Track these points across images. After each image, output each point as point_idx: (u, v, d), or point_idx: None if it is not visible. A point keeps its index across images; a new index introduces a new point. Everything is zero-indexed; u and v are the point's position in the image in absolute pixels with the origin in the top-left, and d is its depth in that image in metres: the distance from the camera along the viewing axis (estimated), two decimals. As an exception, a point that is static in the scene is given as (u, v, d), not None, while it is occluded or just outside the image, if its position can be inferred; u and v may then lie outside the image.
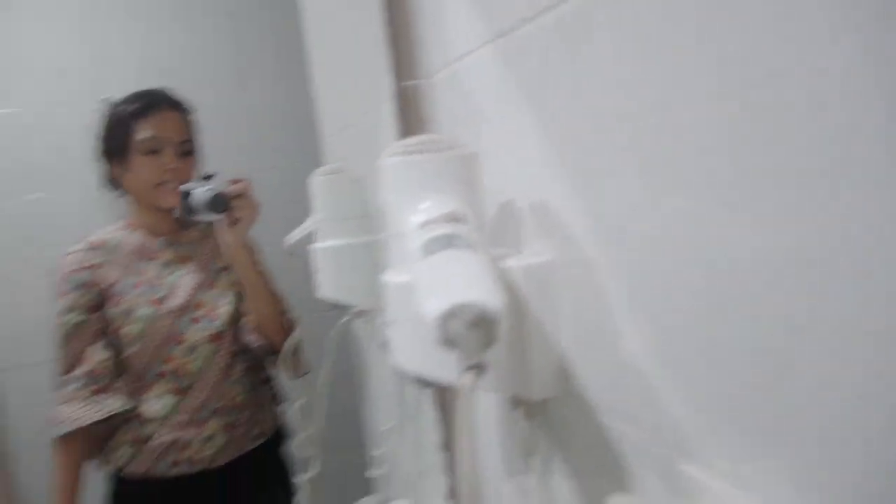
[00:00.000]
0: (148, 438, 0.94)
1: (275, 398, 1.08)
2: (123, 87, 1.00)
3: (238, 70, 1.19)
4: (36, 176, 1.09)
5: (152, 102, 0.97)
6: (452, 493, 0.86)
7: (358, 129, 1.03)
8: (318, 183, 0.94)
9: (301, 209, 0.93)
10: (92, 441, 0.91)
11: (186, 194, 0.92)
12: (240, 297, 0.99)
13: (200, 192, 0.92)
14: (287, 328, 1.01)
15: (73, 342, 0.90)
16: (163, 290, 0.95)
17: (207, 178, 0.95)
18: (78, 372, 0.89)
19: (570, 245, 0.52)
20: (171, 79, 1.04)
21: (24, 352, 1.00)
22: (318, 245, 0.93)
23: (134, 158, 0.94)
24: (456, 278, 0.40)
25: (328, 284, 0.94)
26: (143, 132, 0.95)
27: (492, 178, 0.59)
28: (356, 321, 1.06)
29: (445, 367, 0.47)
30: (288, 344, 1.02)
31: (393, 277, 0.53)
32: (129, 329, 0.92)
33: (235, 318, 0.98)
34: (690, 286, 0.39)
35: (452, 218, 0.48)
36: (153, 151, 0.96)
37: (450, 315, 0.37)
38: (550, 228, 0.55)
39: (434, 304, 0.38)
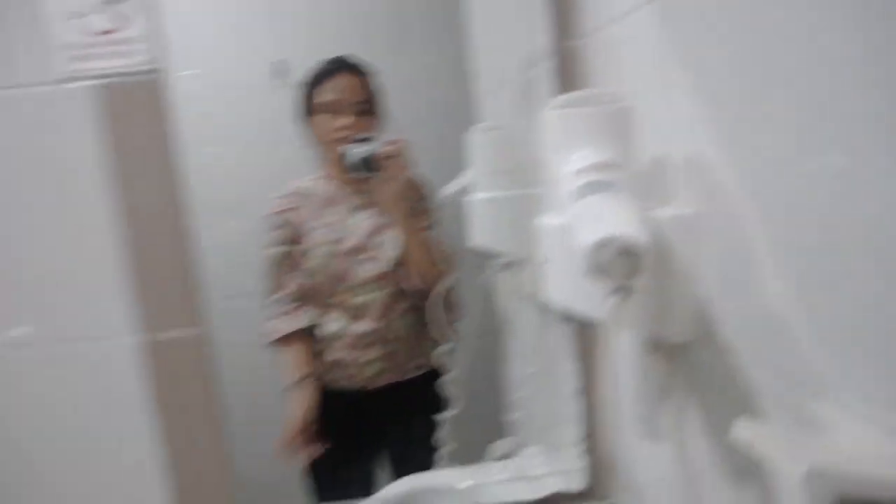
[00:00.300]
0: (321, 354, 1.07)
1: (435, 339, 1.18)
2: (294, 49, 1.12)
3: (399, 30, 1.26)
4: (217, 132, 1.23)
5: (332, 67, 1.08)
6: (588, 435, 0.91)
7: (514, 87, 1.08)
8: (475, 139, 1.00)
9: (456, 165, 1.01)
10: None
11: (344, 154, 1.02)
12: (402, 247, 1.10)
13: (355, 151, 1.02)
14: (441, 276, 1.10)
15: (275, 271, 1.06)
16: (341, 232, 1.08)
17: (365, 140, 1.04)
18: (280, 294, 1.05)
19: (718, 198, 0.55)
20: (336, 40, 1.14)
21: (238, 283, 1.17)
22: (476, 196, 0.99)
23: (317, 117, 1.06)
24: (607, 216, 0.45)
25: (480, 234, 1.01)
26: (324, 94, 1.06)
27: (646, 132, 0.62)
28: (503, 272, 1.13)
29: (591, 301, 0.53)
30: (439, 290, 1.11)
31: (548, 220, 0.58)
32: (311, 264, 1.07)
33: (400, 262, 1.07)
34: (836, 239, 0.41)
35: (606, 166, 0.53)
36: (333, 111, 1.07)
37: (601, 245, 0.42)
38: (699, 181, 0.58)
39: (587, 236, 0.43)
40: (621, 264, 0.41)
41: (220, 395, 0.90)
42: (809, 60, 0.42)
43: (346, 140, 1.06)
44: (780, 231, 0.48)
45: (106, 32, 0.79)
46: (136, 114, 0.80)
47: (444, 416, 1.15)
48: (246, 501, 1.00)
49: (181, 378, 0.86)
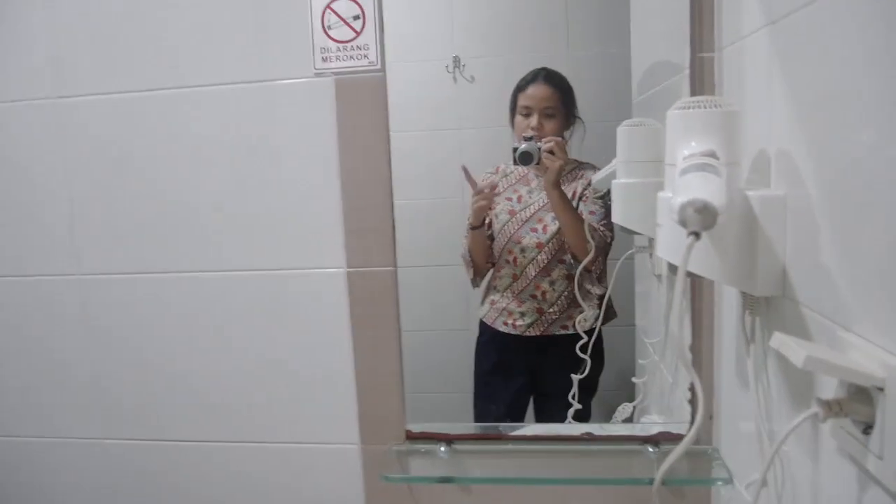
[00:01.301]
0: (495, 301, 1.38)
1: (595, 307, 1.39)
2: (469, 48, 1.35)
3: (568, 37, 1.46)
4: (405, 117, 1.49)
5: (530, 78, 1.33)
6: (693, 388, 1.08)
7: (660, 89, 1.26)
8: (621, 132, 1.20)
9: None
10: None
11: (515, 149, 1.27)
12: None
13: (520, 147, 1.27)
14: (594, 251, 1.32)
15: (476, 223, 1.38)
16: (521, 205, 1.36)
17: (529, 139, 1.28)
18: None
19: (799, 183, 0.72)
20: (507, 40, 1.36)
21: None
22: (617, 181, 1.19)
23: (516, 118, 1.32)
24: (697, 185, 0.65)
25: (621, 213, 1.21)
26: (522, 100, 1.31)
27: (751, 130, 0.79)
28: (640, 253, 1.32)
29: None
30: (586, 263, 1.33)
31: (662, 194, 0.78)
32: (495, 226, 1.34)
33: (558, 235, 1.34)
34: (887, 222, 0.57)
35: (708, 154, 0.72)
36: (525, 114, 1.32)
37: (687, 204, 0.62)
38: (787, 170, 0.75)
39: (678, 198, 0.63)
40: (698, 217, 0.60)
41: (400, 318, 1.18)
42: (878, 83, 0.58)
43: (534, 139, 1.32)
44: (848, 214, 0.64)
45: (346, 41, 1.08)
46: (362, 102, 1.09)
47: (579, 377, 1.35)
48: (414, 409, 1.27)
49: (376, 302, 1.14)
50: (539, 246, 1.34)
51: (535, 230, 1.35)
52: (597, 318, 1.35)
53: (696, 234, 0.60)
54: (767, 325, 0.81)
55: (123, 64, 1.15)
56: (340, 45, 1.08)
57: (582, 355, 1.34)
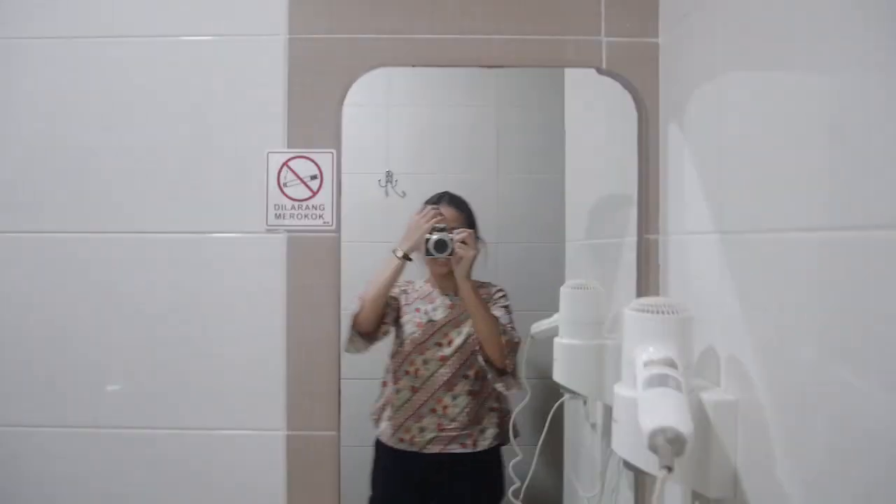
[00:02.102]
0: (392, 418, 1.35)
1: (495, 426, 1.38)
2: (402, 164, 1.39)
3: (498, 161, 1.51)
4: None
5: (436, 200, 1.37)
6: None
7: (600, 251, 1.32)
8: (564, 293, 1.23)
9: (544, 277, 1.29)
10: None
11: (427, 240, 1.29)
12: (471, 335, 1.33)
13: (434, 238, 1.29)
14: (507, 346, 1.34)
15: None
16: (426, 318, 1.36)
17: (442, 229, 1.31)
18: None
19: (750, 388, 0.75)
20: (438, 160, 1.41)
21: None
22: (560, 340, 1.21)
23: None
24: (665, 408, 0.66)
25: (562, 372, 1.23)
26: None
27: (702, 327, 0.83)
28: (574, 401, 1.33)
29: (647, 461, 0.73)
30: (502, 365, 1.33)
31: (622, 391, 0.79)
32: (400, 334, 1.35)
33: (462, 351, 1.34)
34: (828, 432, 0.61)
35: (668, 363, 0.74)
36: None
37: (657, 431, 0.63)
38: (739, 375, 0.78)
39: (648, 422, 0.64)
40: (669, 448, 0.61)
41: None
42: (822, 302, 0.63)
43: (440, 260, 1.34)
44: (792, 422, 0.67)
45: (303, 200, 1.07)
46: (315, 262, 1.07)
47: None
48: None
49: (316, 468, 1.08)
50: (442, 359, 1.34)
51: (439, 344, 1.35)
52: (497, 437, 1.36)
53: (669, 469, 0.60)
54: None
55: (63, 208, 1.10)
56: (296, 203, 1.07)
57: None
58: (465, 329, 1.35)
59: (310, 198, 1.07)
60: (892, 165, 0.55)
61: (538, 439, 1.37)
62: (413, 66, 1.09)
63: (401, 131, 1.44)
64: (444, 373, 1.35)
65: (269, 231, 1.07)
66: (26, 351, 1.11)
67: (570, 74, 1.28)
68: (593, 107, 1.36)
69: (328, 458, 1.08)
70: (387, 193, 1.39)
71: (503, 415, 1.37)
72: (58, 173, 1.10)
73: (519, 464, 1.35)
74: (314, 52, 1.07)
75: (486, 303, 1.35)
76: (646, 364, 0.75)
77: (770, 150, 0.74)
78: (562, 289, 1.25)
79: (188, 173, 1.08)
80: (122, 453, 1.10)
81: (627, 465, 0.81)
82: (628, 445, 0.80)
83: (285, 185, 1.07)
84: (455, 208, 1.38)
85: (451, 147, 1.48)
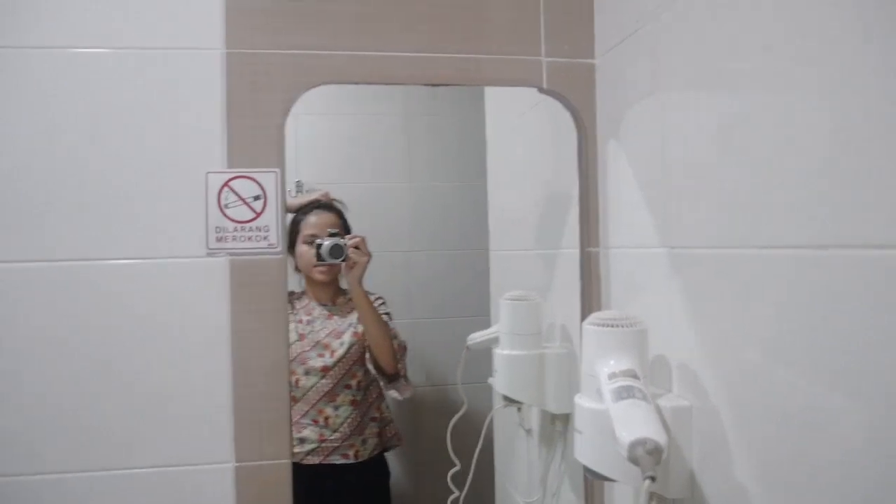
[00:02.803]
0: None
1: (376, 435, 1.39)
2: (311, 174, 1.37)
3: (411, 168, 1.52)
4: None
5: (313, 206, 1.35)
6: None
7: (531, 261, 1.36)
8: (504, 304, 1.26)
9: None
10: None
11: (319, 245, 1.29)
12: (353, 344, 1.34)
13: (327, 243, 1.28)
14: (398, 351, 1.36)
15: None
16: (307, 329, 1.35)
17: (333, 234, 1.31)
18: None
19: (702, 395, 0.80)
20: (348, 168, 1.43)
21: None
22: (501, 352, 1.24)
23: (301, 248, 1.32)
24: (638, 419, 0.69)
25: (503, 383, 1.25)
26: (305, 228, 1.33)
27: (652, 336, 0.88)
28: (508, 407, 1.36)
29: (616, 469, 0.76)
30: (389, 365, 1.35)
31: (585, 403, 0.82)
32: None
33: (344, 360, 1.34)
34: (781, 432, 0.66)
35: (631, 374, 0.78)
36: (311, 243, 1.33)
37: (636, 443, 0.66)
38: (691, 382, 0.83)
39: (626, 435, 0.67)
40: (651, 459, 0.64)
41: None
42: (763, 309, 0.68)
43: (321, 267, 1.33)
44: (743, 422, 0.73)
45: (245, 221, 1.03)
46: (259, 284, 1.04)
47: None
48: None
49: (268, 499, 1.05)
50: (324, 370, 1.33)
51: (321, 355, 1.34)
52: (376, 446, 1.37)
53: (653, 478, 0.63)
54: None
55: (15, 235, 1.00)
56: (238, 225, 1.03)
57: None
58: (347, 339, 1.35)
59: (253, 219, 1.04)
60: (825, 183, 0.61)
61: (468, 449, 1.38)
62: (357, 83, 1.08)
63: (311, 141, 1.41)
64: (326, 383, 1.34)
65: (209, 255, 1.03)
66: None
67: (493, 90, 1.32)
68: (521, 119, 1.41)
69: (281, 487, 1.05)
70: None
71: (385, 423, 1.40)
72: None
73: (455, 475, 1.35)
74: (254, 68, 1.03)
75: (374, 310, 1.36)
76: (610, 377, 0.79)
77: (711, 168, 0.80)
78: (502, 300, 1.28)
79: (123, 195, 1.02)
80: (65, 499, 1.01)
81: (592, 473, 0.84)
82: (593, 455, 0.83)
83: (226, 206, 1.03)
84: (334, 213, 1.37)
85: (361, 156, 1.48)
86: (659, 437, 0.67)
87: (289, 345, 1.07)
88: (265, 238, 1.04)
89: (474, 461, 1.35)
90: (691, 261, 0.85)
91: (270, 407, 1.04)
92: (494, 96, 1.38)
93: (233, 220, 1.03)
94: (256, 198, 1.04)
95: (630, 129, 1.01)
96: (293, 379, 1.30)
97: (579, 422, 0.85)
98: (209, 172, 1.03)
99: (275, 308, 1.04)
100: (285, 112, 1.04)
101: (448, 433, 1.35)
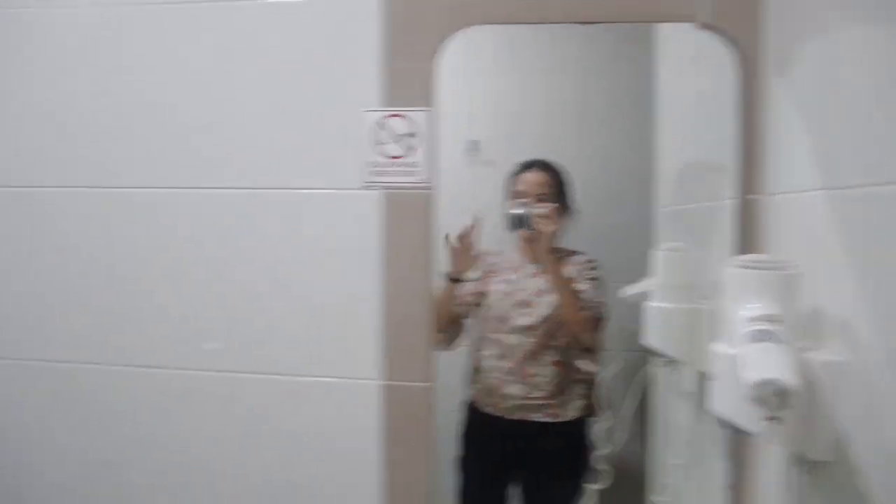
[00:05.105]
0: (478, 381, 1.37)
1: (581, 398, 1.38)
2: (487, 133, 1.38)
3: (581, 126, 1.48)
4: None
5: (527, 165, 1.35)
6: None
7: (694, 213, 1.28)
8: (658, 255, 1.21)
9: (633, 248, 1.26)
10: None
11: (507, 214, 1.30)
12: (556, 306, 1.32)
13: (513, 212, 1.30)
14: (589, 322, 1.33)
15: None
16: (513, 288, 1.36)
17: (522, 205, 1.31)
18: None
19: (858, 350, 0.72)
20: (521, 127, 1.40)
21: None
22: (654, 304, 1.19)
23: (511, 203, 1.33)
24: (769, 360, 0.64)
25: (655, 336, 1.21)
26: (516, 185, 1.33)
27: (809, 286, 0.80)
28: (663, 368, 1.31)
29: (748, 418, 0.71)
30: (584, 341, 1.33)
31: (722, 349, 0.78)
32: (488, 302, 1.36)
33: (547, 321, 1.33)
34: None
35: (772, 319, 0.72)
36: (523, 198, 1.33)
37: (762, 383, 0.61)
38: (849, 337, 0.75)
39: (753, 374, 0.63)
40: (775, 400, 0.60)
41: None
42: None
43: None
44: None
45: (397, 157, 1.09)
46: (410, 217, 1.10)
47: (590, 489, 1.33)
48: None
49: (411, 419, 1.12)
50: (528, 328, 1.34)
51: (526, 314, 1.34)
52: (583, 408, 1.35)
53: (774, 419, 0.59)
54: (818, 487, 0.80)
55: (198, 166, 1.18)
56: (391, 161, 1.09)
57: (596, 465, 1.31)
58: (552, 299, 1.34)
59: (405, 155, 1.09)
60: None
61: (625, 406, 1.35)
62: (506, 23, 1.09)
63: (484, 98, 1.43)
64: (530, 342, 1.35)
65: (365, 187, 1.10)
66: (132, 307, 1.20)
67: (662, 30, 1.24)
68: (685, 65, 1.32)
69: (423, 410, 1.11)
70: (471, 161, 1.38)
71: (591, 386, 1.36)
72: (158, 132, 1.18)
73: (606, 430, 1.34)
74: (408, 10, 1.08)
75: (567, 278, 1.34)
76: (749, 320, 0.73)
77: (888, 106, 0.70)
78: (655, 251, 1.22)
79: (288, 132, 1.13)
80: (221, 397, 1.18)
81: (724, 423, 0.79)
82: (726, 403, 0.79)
83: (380, 142, 1.09)
84: (546, 173, 1.37)
85: (534, 112, 1.45)
86: (788, 379, 0.62)
87: (432, 275, 1.12)
88: (416, 174, 1.09)
89: (624, 419, 1.33)
90: (858, 202, 0.75)
91: (416, 331, 1.11)
92: (664, 40, 1.31)
93: (386, 157, 1.09)
94: (408, 135, 1.09)
95: (799, 66, 0.91)
96: (498, 336, 1.36)
97: (714, 368, 0.81)
98: (365, 110, 1.10)
99: (422, 240, 1.10)
100: (438, 53, 1.08)
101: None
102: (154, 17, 1.16)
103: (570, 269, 1.35)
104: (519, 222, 1.30)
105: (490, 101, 1.45)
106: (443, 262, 1.23)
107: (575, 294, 1.33)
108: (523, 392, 1.35)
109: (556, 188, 1.35)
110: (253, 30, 1.13)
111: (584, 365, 1.35)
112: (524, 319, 1.35)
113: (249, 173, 1.15)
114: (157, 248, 1.19)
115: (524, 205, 1.30)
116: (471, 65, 1.33)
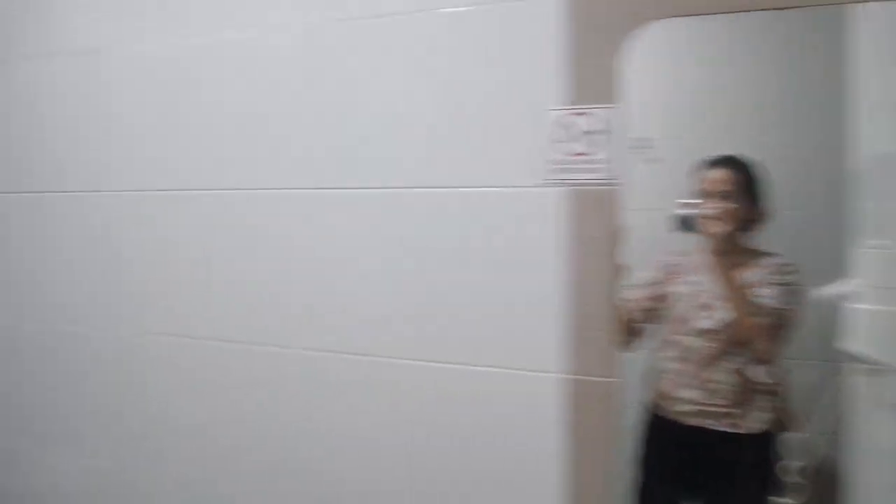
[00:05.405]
0: (657, 385, 1.34)
1: (765, 410, 1.29)
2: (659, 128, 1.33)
3: (766, 121, 1.39)
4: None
5: (713, 162, 1.30)
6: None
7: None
8: (867, 254, 1.12)
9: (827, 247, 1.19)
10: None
11: (675, 216, 1.26)
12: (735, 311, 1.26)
13: (679, 213, 1.25)
14: (764, 332, 1.25)
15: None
16: (695, 289, 1.32)
17: (689, 205, 1.26)
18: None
19: None
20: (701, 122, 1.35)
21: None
22: (857, 306, 1.10)
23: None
24: None
25: (858, 341, 1.12)
26: (702, 183, 1.28)
27: None
28: (865, 377, 1.20)
29: None
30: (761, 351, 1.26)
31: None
32: (671, 303, 1.33)
33: (730, 326, 1.27)
34: None
35: None
36: (704, 197, 1.28)
37: None
38: None
39: None
40: None
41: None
42: None
43: (709, 221, 1.28)
44: None
45: (580, 154, 1.09)
46: (594, 215, 1.10)
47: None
48: None
49: (592, 414, 1.12)
50: (709, 332, 1.28)
51: (707, 317, 1.29)
52: (770, 421, 1.26)
53: None
54: None
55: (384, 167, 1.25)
56: (574, 158, 1.10)
57: (791, 480, 1.23)
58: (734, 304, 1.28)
59: (588, 152, 1.09)
60: None
61: (819, 418, 1.26)
62: (692, 15, 1.06)
63: (658, 93, 1.37)
64: (709, 346, 1.29)
65: (546, 185, 1.12)
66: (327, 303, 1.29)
67: (862, 11, 1.14)
68: (885, 49, 1.21)
69: (606, 405, 1.10)
70: (640, 158, 1.29)
71: (778, 397, 1.28)
72: (346, 134, 1.26)
73: (799, 443, 1.25)
74: (591, 8, 1.08)
75: (740, 283, 1.27)
76: None
77: None
78: (857, 250, 1.13)
79: (467, 132, 1.17)
80: (405, 381, 1.24)
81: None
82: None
83: (563, 140, 1.10)
84: (732, 170, 1.30)
85: (713, 107, 1.39)
86: None
87: (615, 272, 1.11)
88: (600, 170, 1.09)
89: (821, 431, 1.24)
90: None
91: (598, 327, 1.10)
92: (862, 23, 1.21)
93: (569, 154, 1.10)
94: (592, 132, 1.09)
95: None
96: (678, 339, 1.34)
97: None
98: (547, 109, 1.11)
99: (606, 236, 1.09)
100: (622, 48, 1.07)
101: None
102: (349, 33, 1.25)
103: (752, 273, 1.28)
104: (683, 224, 1.25)
105: (664, 96, 1.41)
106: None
107: (746, 300, 1.26)
108: (700, 397, 1.30)
109: (743, 186, 1.28)
110: (433, 37, 1.19)
111: (761, 375, 1.27)
112: (705, 322, 1.30)
113: (429, 172, 1.21)
114: (334, 247, 1.29)
115: (692, 205, 1.26)
116: (647, 60, 1.30)
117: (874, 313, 1.09)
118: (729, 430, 1.29)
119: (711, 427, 1.29)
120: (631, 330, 1.31)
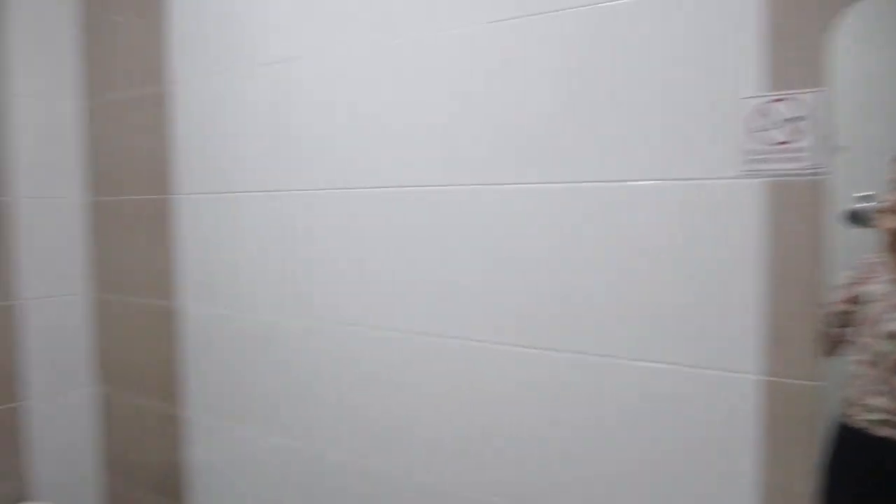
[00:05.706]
0: (846, 388, 1.21)
1: None
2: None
3: None
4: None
5: None
6: None
7: None
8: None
9: None
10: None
11: (845, 211, 1.11)
12: None
13: (849, 209, 1.10)
14: None
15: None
16: (888, 289, 1.18)
17: (866, 197, 1.10)
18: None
19: None
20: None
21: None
22: None
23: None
24: None
25: None
26: (889, 173, 1.17)
27: None
28: None
29: None
30: None
31: None
32: (859, 304, 1.20)
33: None
34: None
35: None
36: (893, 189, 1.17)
37: None
38: None
39: None
40: None
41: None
42: None
43: (886, 215, 1.15)
44: None
45: (781, 143, 1.04)
46: (795, 207, 1.04)
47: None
48: None
49: (792, 420, 1.07)
50: (892, 335, 1.16)
51: (893, 319, 1.16)
52: None
53: None
54: None
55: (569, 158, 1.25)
56: (775, 147, 1.04)
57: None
58: None
59: (791, 140, 1.03)
60: None
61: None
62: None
63: (865, 74, 1.23)
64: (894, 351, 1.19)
65: (744, 176, 1.07)
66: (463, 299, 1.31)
67: None
68: None
69: (807, 410, 1.06)
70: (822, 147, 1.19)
71: None
72: (537, 124, 1.27)
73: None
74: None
75: None
76: None
77: None
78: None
79: (660, 123, 1.15)
80: (585, 384, 1.24)
81: None
82: None
83: (761, 128, 1.05)
84: None
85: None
86: None
87: (819, 270, 1.05)
88: (804, 158, 1.03)
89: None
90: None
91: (799, 327, 1.05)
92: None
93: (769, 143, 1.05)
94: (795, 119, 1.03)
95: None
96: (866, 342, 1.25)
97: None
98: (743, 97, 1.06)
99: (812, 229, 1.03)
100: (829, 28, 1.00)
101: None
102: (530, 30, 1.26)
103: None
104: (854, 219, 1.14)
105: (867, 80, 1.29)
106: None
107: None
108: (890, 406, 1.19)
109: None
110: (624, 29, 1.17)
111: None
112: (891, 325, 1.19)
113: (617, 165, 1.19)
114: (497, 237, 1.32)
115: (867, 198, 1.14)
116: (855, 38, 1.20)
117: None
118: None
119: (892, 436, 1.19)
120: (831, 335, 1.24)
